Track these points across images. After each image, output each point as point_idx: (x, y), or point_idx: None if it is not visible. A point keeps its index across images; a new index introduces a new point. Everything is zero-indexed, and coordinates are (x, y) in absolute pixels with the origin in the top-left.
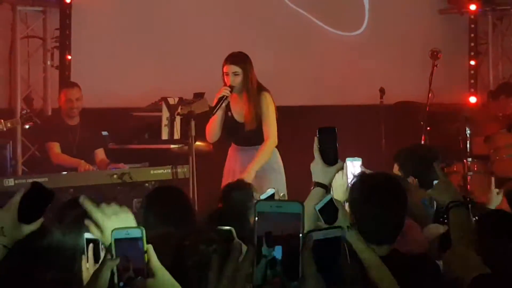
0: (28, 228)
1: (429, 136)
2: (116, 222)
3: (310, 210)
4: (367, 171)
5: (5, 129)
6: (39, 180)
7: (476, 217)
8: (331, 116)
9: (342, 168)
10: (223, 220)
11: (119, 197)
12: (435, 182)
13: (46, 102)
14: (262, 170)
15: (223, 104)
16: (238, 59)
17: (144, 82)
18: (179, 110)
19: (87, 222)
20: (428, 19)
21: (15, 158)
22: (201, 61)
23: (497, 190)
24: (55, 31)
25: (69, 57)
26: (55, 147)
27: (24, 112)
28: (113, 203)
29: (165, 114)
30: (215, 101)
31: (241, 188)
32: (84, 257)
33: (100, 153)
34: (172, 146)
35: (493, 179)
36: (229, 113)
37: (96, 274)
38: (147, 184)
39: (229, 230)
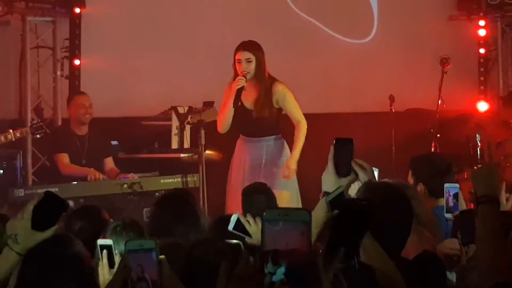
0: (41, 236)
1: (439, 143)
2: None
3: (318, 219)
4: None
5: (14, 139)
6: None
7: None
8: (341, 123)
9: (354, 181)
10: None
11: (129, 206)
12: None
13: (56, 112)
14: (275, 166)
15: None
16: (251, 45)
17: (154, 91)
18: (188, 119)
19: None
20: (437, 26)
21: (26, 168)
22: (211, 70)
23: (507, 195)
24: (65, 41)
25: (79, 66)
26: (64, 158)
27: (35, 122)
28: None
29: (175, 123)
30: (232, 92)
31: (264, 191)
32: (100, 263)
33: (109, 162)
34: (182, 155)
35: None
36: (239, 103)
37: (110, 285)
38: (157, 194)
39: (237, 244)
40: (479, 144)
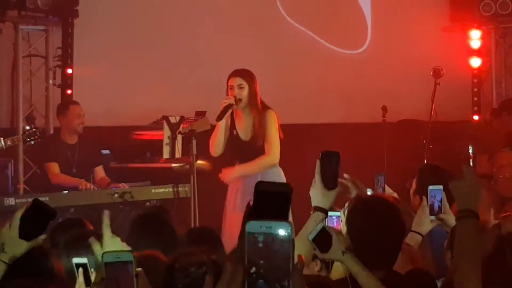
0: (28, 245)
1: (432, 154)
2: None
3: (307, 235)
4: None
5: (5, 147)
6: (40, 199)
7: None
8: (333, 134)
9: (341, 193)
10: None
11: (120, 216)
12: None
13: (48, 121)
14: None
15: (228, 113)
16: (244, 73)
17: (145, 101)
18: (180, 129)
19: (91, 239)
20: (431, 37)
21: (17, 177)
22: (203, 80)
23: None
24: (57, 50)
25: (71, 75)
26: (54, 168)
27: (28, 128)
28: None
29: (166, 132)
30: (222, 109)
31: None
32: (77, 282)
33: (99, 171)
34: (173, 165)
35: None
36: (234, 132)
37: None
38: (148, 203)
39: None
40: (472, 155)
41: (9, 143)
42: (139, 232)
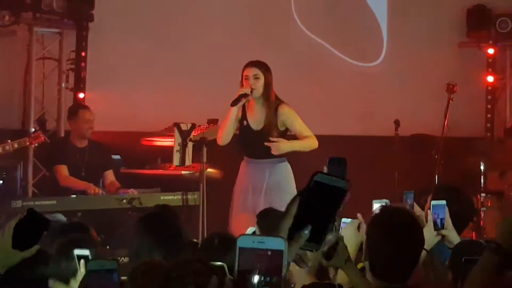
0: (21, 255)
1: (444, 170)
2: None
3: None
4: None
5: (11, 150)
6: (47, 202)
7: None
8: (345, 146)
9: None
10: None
11: (128, 222)
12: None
13: (59, 124)
14: (278, 190)
15: (242, 102)
16: (260, 64)
17: (157, 107)
18: (191, 136)
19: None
20: (446, 52)
21: (26, 179)
22: (215, 87)
23: None
24: (71, 53)
25: (84, 78)
26: (63, 170)
27: (34, 130)
28: None
29: (177, 139)
30: (237, 97)
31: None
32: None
33: (109, 175)
34: (183, 172)
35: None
36: (245, 122)
37: None
38: None
39: (221, 266)
40: (483, 172)
41: (15, 145)
42: (142, 233)
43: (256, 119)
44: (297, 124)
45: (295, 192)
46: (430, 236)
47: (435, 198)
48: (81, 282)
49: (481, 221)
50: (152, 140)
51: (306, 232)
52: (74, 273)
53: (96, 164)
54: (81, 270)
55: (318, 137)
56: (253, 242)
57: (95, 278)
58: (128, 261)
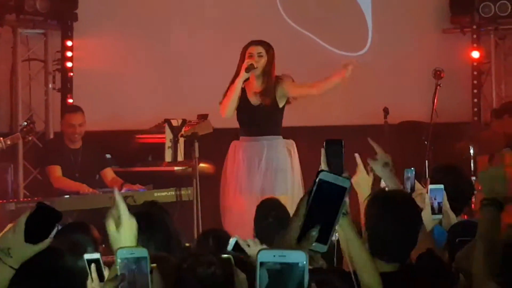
0: (34, 249)
1: (433, 156)
2: (129, 227)
3: None
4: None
5: (5, 147)
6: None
7: None
8: (335, 136)
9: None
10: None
11: None
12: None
13: (47, 126)
14: (273, 170)
15: (249, 74)
16: (264, 42)
17: (147, 104)
18: (182, 132)
19: (109, 213)
20: (431, 39)
21: (17, 181)
22: (205, 83)
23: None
24: (57, 54)
25: (71, 79)
26: (56, 171)
27: (25, 124)
28: None
29: (168, 136)
30: (242, 71)
31: (280, 207)
32: (89, 278)
33: (109, 173)
34: (175, 168)
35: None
36: (244, 97)
37: None
38: None
39: (228, 258)
40: (473, 156)
41: (8, 142)
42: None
43: (255, 93)
44: (298, 84)
45: (293, 170)
46: (427, 220)
47: (433, 178)
48: (111, 270)
49: (472, 205)
50: (143, 138)
51: (314, 233)
52: (85, 276)
53: (90, 165)
54: (93, 275)
55: (307, 128)
56: (274, 256)
57: (126, 266)
58: None
